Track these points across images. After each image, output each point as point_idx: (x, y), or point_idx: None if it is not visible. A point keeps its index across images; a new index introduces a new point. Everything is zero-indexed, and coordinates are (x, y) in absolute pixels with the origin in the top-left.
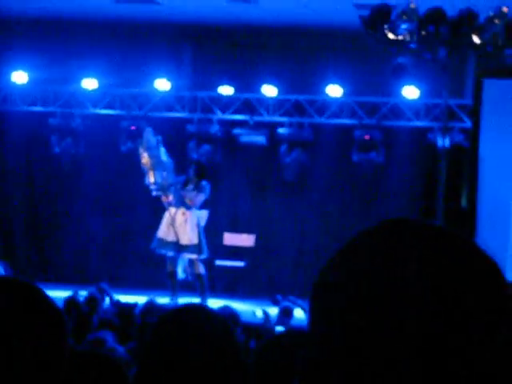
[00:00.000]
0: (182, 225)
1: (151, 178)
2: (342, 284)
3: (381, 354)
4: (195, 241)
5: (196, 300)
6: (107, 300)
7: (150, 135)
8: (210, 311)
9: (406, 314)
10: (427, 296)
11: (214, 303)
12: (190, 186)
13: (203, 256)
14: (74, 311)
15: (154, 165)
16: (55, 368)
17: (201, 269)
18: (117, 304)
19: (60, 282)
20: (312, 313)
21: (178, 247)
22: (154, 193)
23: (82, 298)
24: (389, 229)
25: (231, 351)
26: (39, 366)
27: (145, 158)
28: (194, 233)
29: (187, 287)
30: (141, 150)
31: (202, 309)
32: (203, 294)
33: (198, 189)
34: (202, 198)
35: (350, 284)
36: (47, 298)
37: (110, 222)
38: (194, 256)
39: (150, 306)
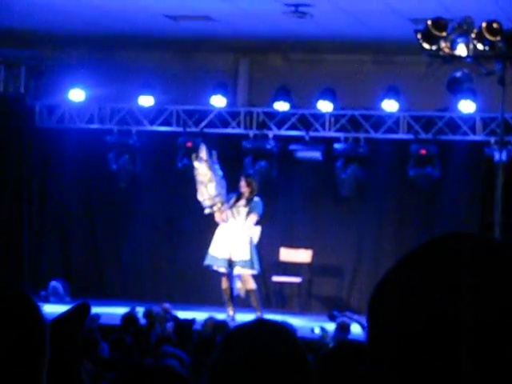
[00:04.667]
0: (233, 241)
1: (211, 190)
2: (397, 299)
3: (438, 367)
4: (247, 257)
5: (252, 316)
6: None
7: (205, 150)
8: (282, 327)
9: (460, 326)
10: (480, 308)
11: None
12: (242, 202)
13: (254, 272)
14: (132, 327)
15: (211, 178)
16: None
17: (252, 284)
18: (175, 320)
19: (118, 299)
20: (370, 328)
21: (230, 263)
22: (208, 210)
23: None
24: (442, 243)
25: (302, 368)
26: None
27: (203, 172)
28: (245, 249)
29: (243, 303)
30: (196, 164)
31: (272, 324)
32: (258, 310)
33: (250, 204)
34: (253, 218)
35: (404, 299)
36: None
37: (166, 239)
38: (245, 271)
39: (209, 323)
